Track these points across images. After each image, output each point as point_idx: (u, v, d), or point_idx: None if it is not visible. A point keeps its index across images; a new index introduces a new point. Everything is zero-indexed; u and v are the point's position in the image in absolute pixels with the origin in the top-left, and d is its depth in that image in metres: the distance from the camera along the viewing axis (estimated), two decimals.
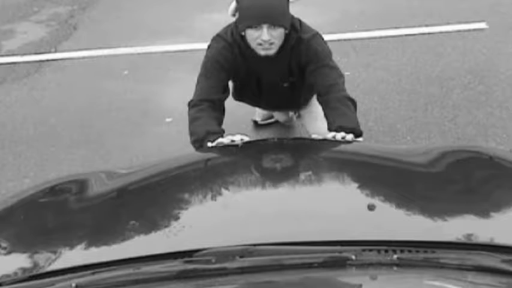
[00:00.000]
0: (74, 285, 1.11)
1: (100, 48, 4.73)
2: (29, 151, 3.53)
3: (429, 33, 4.42)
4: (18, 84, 4.32)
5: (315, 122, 2.87)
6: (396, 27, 4.54)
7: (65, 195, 1.66)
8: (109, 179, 1.70)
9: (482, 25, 4.44)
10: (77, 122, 3.77)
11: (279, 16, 2.37)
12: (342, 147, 2.00)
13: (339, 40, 4.27)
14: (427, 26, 4.53)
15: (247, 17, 2.37)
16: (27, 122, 3.83)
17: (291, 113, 3.38)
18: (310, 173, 1.60)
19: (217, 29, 2.66)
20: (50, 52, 4.79)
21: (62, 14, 5.48)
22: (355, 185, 1.59)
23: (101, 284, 1.12)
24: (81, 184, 1.69)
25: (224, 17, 2.61)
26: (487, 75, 3.81)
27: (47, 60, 4.64)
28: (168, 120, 3.67)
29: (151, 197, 1.56)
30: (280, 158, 1.77)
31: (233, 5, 2.47)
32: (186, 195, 1.54)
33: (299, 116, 3.16)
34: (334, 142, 2.08)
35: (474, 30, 4.40)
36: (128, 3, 5.57)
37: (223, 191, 1.54)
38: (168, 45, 4.67)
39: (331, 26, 4.41)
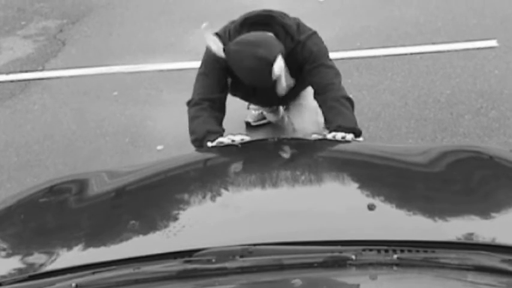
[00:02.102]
0: (74, 285, 1.20)
1: (89, 66, 4.79)
2: (10, 182, 3.53)
3: (437, 52, 4.42)
4: (1, 106, 4.36)
5: (301, 114, 3.04)
6: (402, 45, 4.57)
7: (65, 195, 1.76)
8: (109, 179, 1.80)
9: (493, 43, 4.43)
10: (62, 149, 3.80)
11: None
12: (342, 147, 2.11)
13: (340, 59, 4.21)
14: (434, 43, 4.54)
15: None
16: (9, 149, 3.85)
17: (281, 113, 3.56)
18: (310, 172, 1.71)
19: None
20: (36, 70, 4.86)
21: (51, 28, 5.55)
22: (355, 184, 1.70)
23: (100, 284, 1.21)
24: (81, 184, 1.79)
25: None
26: (500, 99, 3.76)
27: (34, 80, 4.70)
28: (159, 148, 3.68)
29: (151, 197, 1.66)
30: (281, 157, 1.89)
31: (218, 46, 2.56)
32: (186, 195, 1.65)
33: (287, 109, 3.31)
34: (334, 142, 2.20)
35: (484, 48, 4.38)
36: (120, 18, 5.63)
37: (224, 190, 1.64)
38: (161, 63, 4.71)
39: (332, 43, 4.15)
